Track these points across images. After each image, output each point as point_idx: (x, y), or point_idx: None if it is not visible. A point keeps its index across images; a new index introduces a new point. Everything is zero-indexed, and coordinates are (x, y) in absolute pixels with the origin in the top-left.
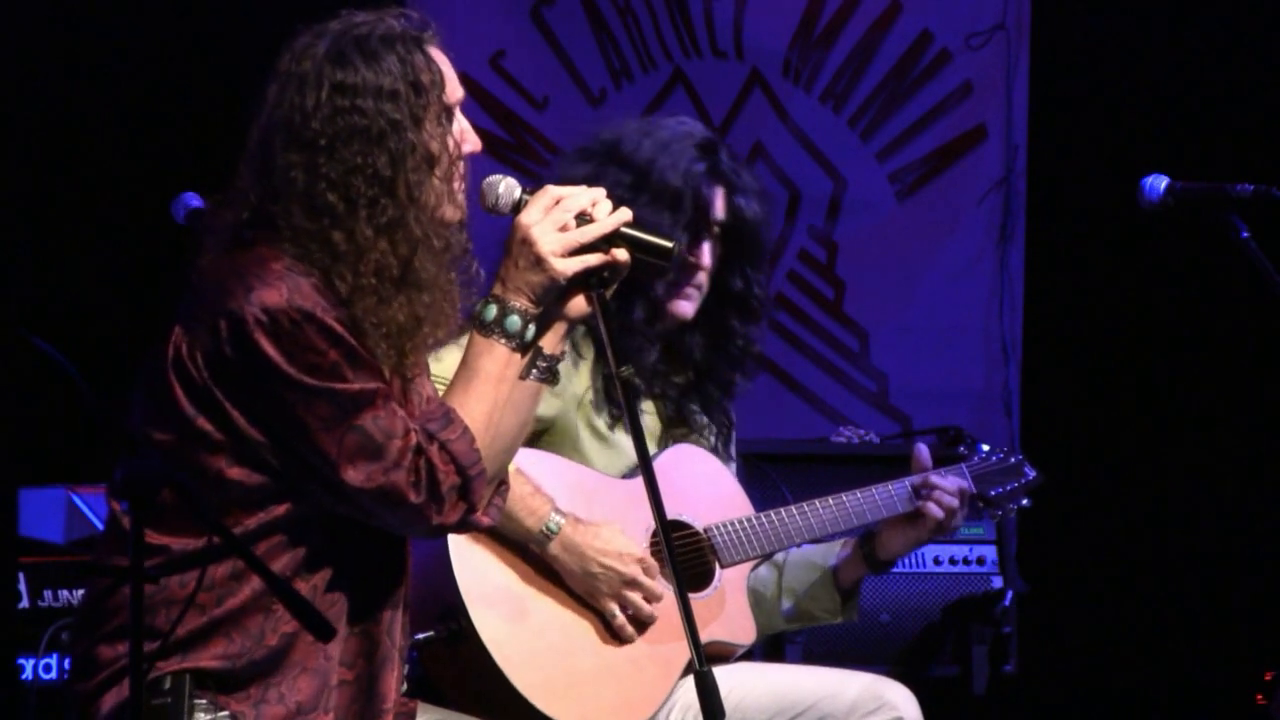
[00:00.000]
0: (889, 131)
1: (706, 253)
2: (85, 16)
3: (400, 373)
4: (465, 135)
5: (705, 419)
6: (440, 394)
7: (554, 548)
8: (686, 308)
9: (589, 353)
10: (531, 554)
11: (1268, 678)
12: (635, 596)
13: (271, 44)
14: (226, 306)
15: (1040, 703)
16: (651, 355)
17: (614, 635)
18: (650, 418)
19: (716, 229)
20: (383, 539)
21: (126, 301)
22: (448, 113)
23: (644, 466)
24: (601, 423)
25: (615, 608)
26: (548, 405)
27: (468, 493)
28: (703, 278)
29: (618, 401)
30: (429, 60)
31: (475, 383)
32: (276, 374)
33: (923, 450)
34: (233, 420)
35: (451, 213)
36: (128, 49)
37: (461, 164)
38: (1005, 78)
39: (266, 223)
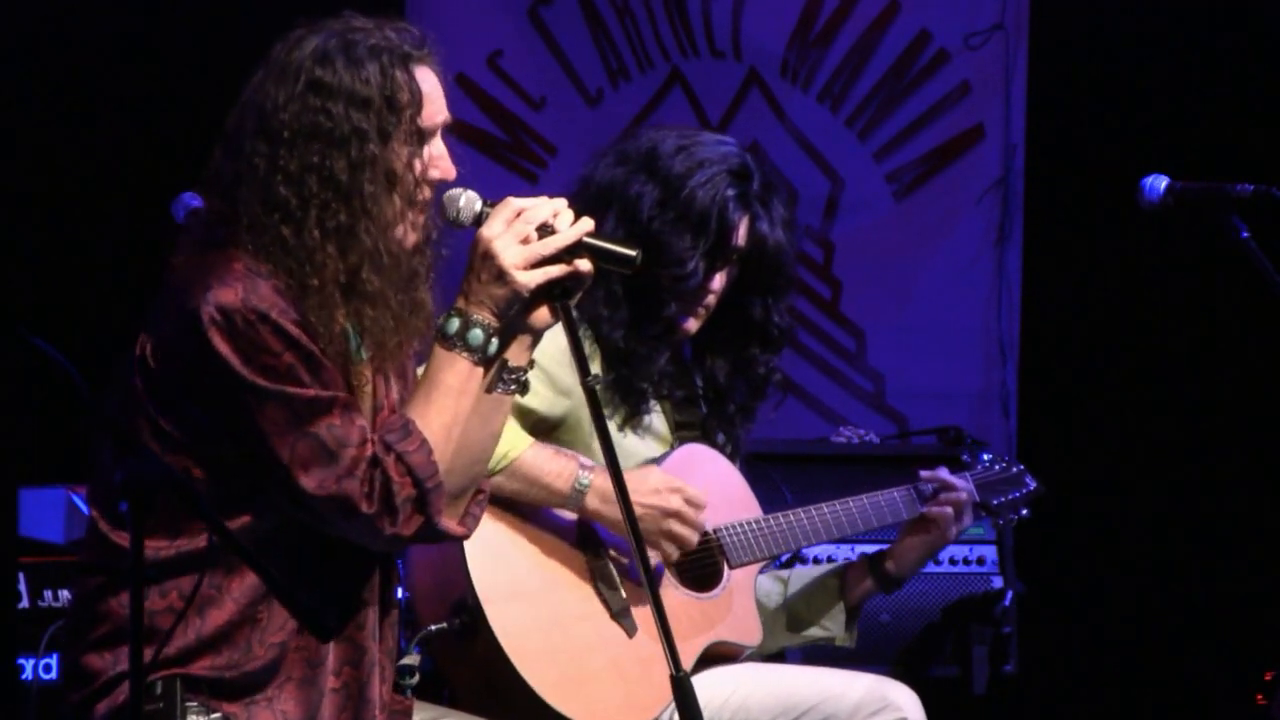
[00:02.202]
0: (887, 131)
1: (719, 279)
2: (85, 16)
3: (347, 380)
4: (436, 161)
5: (723, 438)
6: None
7: (591, 502)
8: (692, 325)
9: (597, 353)
10: (546, 548)
11: (1268, 678)
12: (682, 529)
13: (272, 44)
14: (185, 306)
15: (1040, 703)
16: (660, 360)
17: (624, 632)
18: (659, 419)
19: (735, 256)
20: (358, 544)
21: (126, 301)
22: (419, 135)
23: (613, 471)
24: (612, 422)
25: (670, 548)
26: (556, 405)
27: (424, 505)
28: (711, 300)
29: (630, 402)
30: (411, 79)
31: (435, 395)
32: (230, 374)
33: (925, 475)
34: (194, 421)
35: (406, 234)
36: (127, 49)
37: (426, 188)
38: (1004, 77)
39: (231, 209)
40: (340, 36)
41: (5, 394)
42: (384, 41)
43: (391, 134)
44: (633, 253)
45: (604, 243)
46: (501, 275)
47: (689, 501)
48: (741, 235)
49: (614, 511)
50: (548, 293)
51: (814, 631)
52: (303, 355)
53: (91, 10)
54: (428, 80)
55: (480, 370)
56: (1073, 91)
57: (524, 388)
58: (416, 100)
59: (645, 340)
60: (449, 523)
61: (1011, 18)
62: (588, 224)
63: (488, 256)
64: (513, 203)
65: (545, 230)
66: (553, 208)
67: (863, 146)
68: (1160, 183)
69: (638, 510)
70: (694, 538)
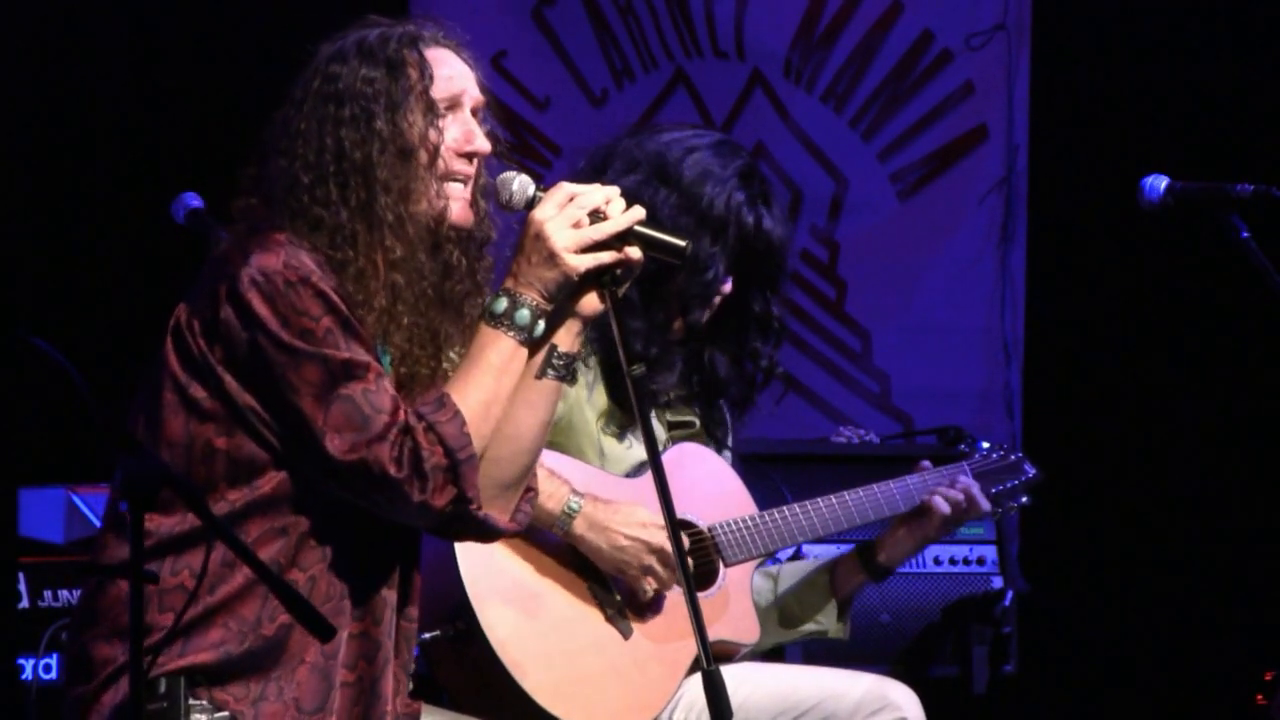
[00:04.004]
0: (890, 131)
1: (730, 281)
2: (85, 16)
3: (402, 377)
4: (466, 135)
5: (721, 431)
6: None
7: (578, 527)
8: (701, 317)
9: (594, 351)
10: (538, 552)
11: (1268, 678)
12: (662, 569)
13: (272, 44)
14: (225, 272)
15: (1040, 703)
16: (678, 364)
17: (620, 634)
18: (655, 421)
19: (748, 255)
20: (381, 534)
21: (126, 301)
22: (433, 108)
23: (654, 463)
24: (608, 422)
25: (647, 585)
26: None
27: (456, 476)
28: (717, 300)
29: (623, 401)
30: (422, 58)
31: (475, 372)
32: (269, 335)
33: (925, 464)
34: (225, 386)
35: (435, 206)
36: (128, 49)
37: (450, 160)
38: (1006, 78)
39: (270, 204)
40: (356, 34)
41: (5, 394)
42: (394, 31)
43: (400, 106)
44: (683, 243)
45: (655, 232)
46: (552, 258)
47: None
48: (754, 235)
49: (598, 538)
50: (597, 279)
51: (807, 626)
52: (340, 320)
53: (92, 10)
54: (443, 60)
55: (524, 351)
56: (1075, 92)
57: (573, 376)
58: (426, 73)
59: (666, 345)
60: (499, 516)
61: (1013, 18)
62: (640, 212)
63: (539, 238)
64: (566, 187)
65: (597, 216)
66: (605, 194)
67: (866, 147)
68: (1160, 183)
69: (623, 542)
70: (671, 581)
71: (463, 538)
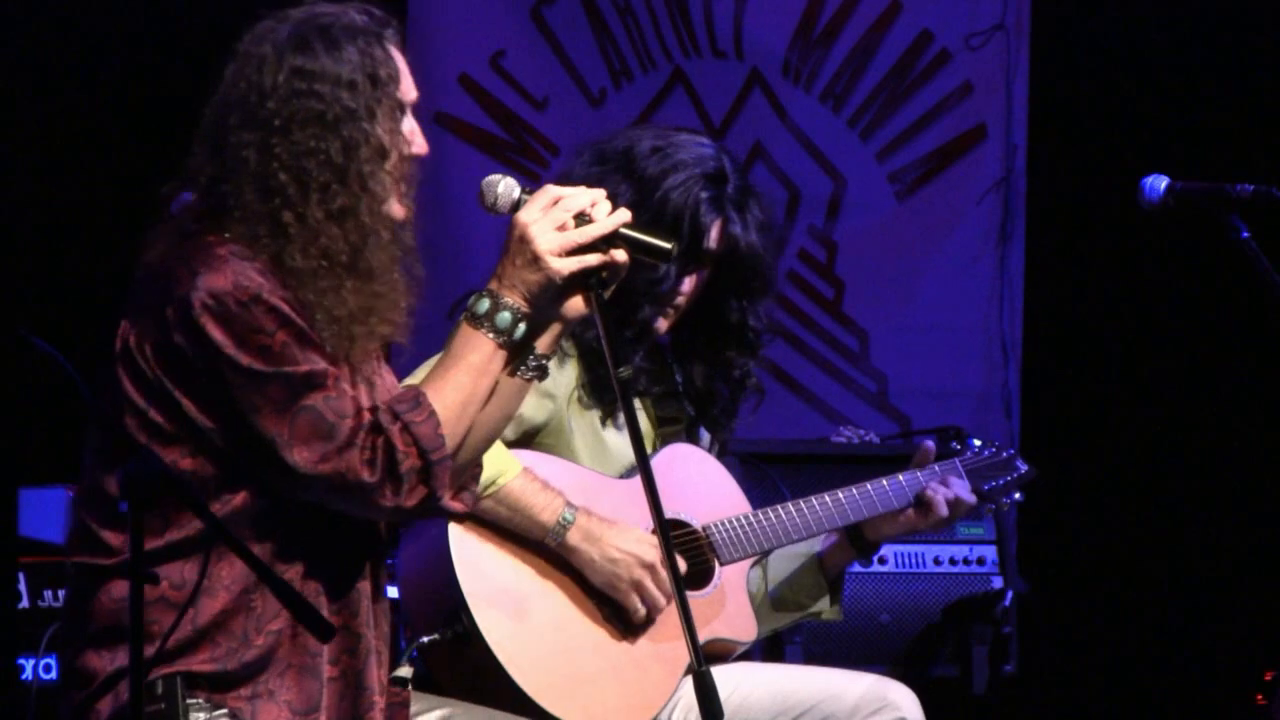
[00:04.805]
0: (889, 131)
1: (689, 282)
2: (85, 15)
3: (349, 361)
4: (413, 136)
5: (708, 438)
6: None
7: (572, 539)
8: (662, 325)
9: (574, 350)
10: (534, 553)
11: (1268, 678)
12: (653, 585)
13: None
14: (174, 294)
15: (1040, 703)
16: (635, 359)
17: (618, 634)
18: (641, 415)
19: (708, 259)
20: (349, 530)
21: (126, 301)
22: (400, 109)
23: (642, 467)
24: (593, 421)
25: (636, 600)
26: (540, 409)
27: (429, 476)
28: (681, 301)
29: (608, 399)
30: (388, 55)
31: (453, 371)
32: (225, 359)
33: (930, 448)
34: (184, 410)
35: (398, 209)
36: (127, 47)
37: (410, 164)
38: (1005, 78)
39: (217, 203)
40: (312, 22)
41: (5, 394)
42: (354, 23)
43: (376, 110)
44: (668, 245)
45: (640, 234)
46: (536, 260)
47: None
48: (714, 238)
49: (593, 550)
50: (583, 282)
51: (800, 610)
52: (295, 332)
53: (92, 10)
54: (399, 56)
55: (503, 353)
56: (1074, 91)
57: (544, 373)
58: (395, 75)
59: (624, 342)
60: (444, 495)
61: (1012, 18)
62: (625, 215)
63: (523, 241)
64: (551, 190)
65: (582, 219)
66: (591, 197)
67: (865, 147)
68: (1160, 183)
69: (615, 554)
70: (662, 600)
71: (412, 520)
